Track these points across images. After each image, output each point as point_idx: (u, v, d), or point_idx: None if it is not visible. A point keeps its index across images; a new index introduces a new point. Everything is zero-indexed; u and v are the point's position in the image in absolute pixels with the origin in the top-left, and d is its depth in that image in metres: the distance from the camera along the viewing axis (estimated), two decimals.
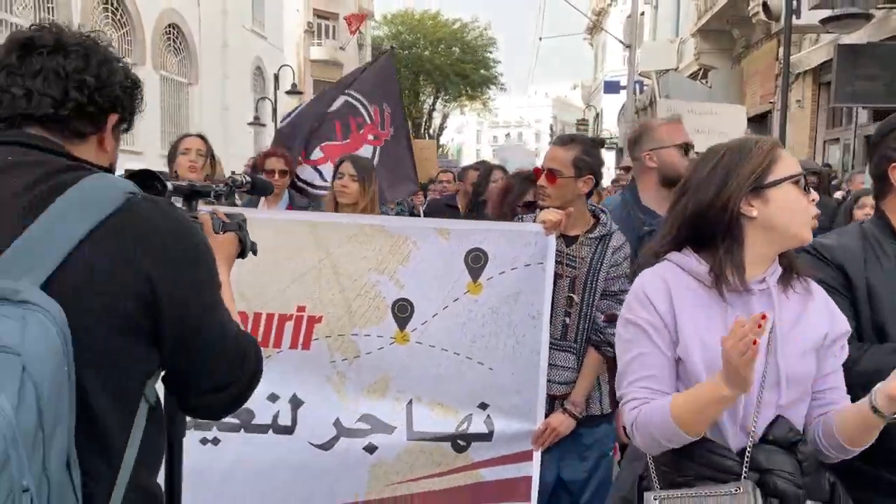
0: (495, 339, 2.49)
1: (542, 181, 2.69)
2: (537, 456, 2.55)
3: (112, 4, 15.59)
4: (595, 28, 41.58)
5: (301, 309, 2.43)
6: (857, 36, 9.56)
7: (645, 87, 22.14)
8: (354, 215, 3.12)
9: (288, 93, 20.86)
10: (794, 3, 8.87)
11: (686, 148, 2.85)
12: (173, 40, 18.35)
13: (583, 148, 2.73)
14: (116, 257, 1.13)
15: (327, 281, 2.46)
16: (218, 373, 1.28)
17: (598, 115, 37.00)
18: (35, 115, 1.23)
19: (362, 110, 4.73)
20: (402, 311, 2.49)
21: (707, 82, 16.80)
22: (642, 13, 29.06)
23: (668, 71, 19.63)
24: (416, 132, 41.32)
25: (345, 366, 2.49)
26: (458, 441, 2.52)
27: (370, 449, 2.48)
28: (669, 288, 1.60)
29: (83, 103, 1.25)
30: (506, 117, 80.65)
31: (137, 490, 1.20)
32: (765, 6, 11.42)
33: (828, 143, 12.22)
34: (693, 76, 18.09)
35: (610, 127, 32.56)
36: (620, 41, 23.98)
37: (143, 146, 15.23)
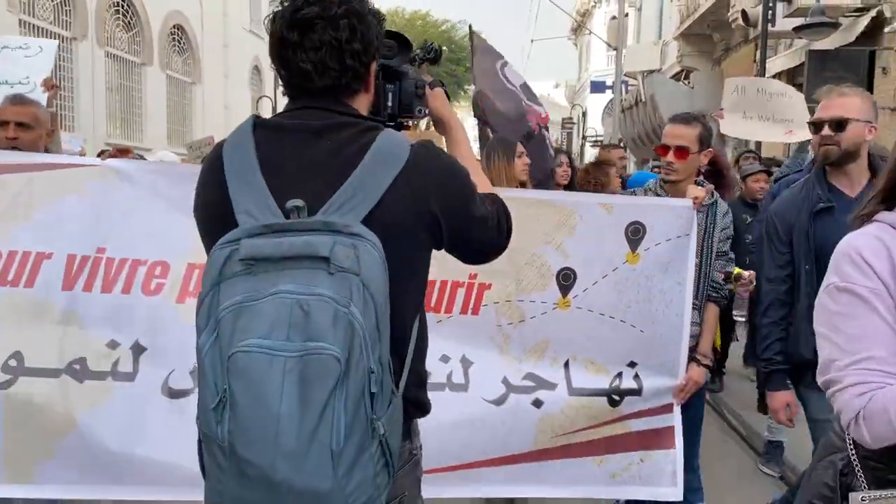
0: (647, 304, 2.69)
1: (669, 157, 2.93)
2: (677, 408, 2.79)
3: (122, 7, 16.19)
4: (580, 29, 42.47)
5: (473, 276, 2.62)
6: (827, 42, 10.50)
7: (630, 87, 23.01)
8: (527, 190, 3.42)
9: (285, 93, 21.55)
10: (770, 12, 9.79)
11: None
12: (178, 41, 18.95)
13: (702, 124, 3.00)
14: (410, 198, 1.39)
15: None
16: (486, 244, 1.59)
17: (583, 113, 37.93)
18: (320, 85, 1.43)
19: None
20: (566, 279, 2.67)
21: (689, 83, 17.74)
22: (626, 15, 30.03)
23: (653, 71, 20.59)
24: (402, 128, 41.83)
25: (510, 329, 2.67)
26: (613, 396, 2.73)
27: (537, 403, 2.67)
28: (889, 248, 1.41)
29: (356, 68, 1.45)
30: None
31: (412, 373, 1.45)
32: (743, 14, 12.35)
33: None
34: (676, 77, 19.03)
35: (595, 125, 33.49)
36: (607, 43, 24.84)
37: (152, 143, 15.90)
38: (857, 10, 10.23)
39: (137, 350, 2.40)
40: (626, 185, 5.06)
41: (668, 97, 15.60)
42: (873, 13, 9.99)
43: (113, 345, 2.38)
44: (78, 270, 2.38)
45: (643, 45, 24.12)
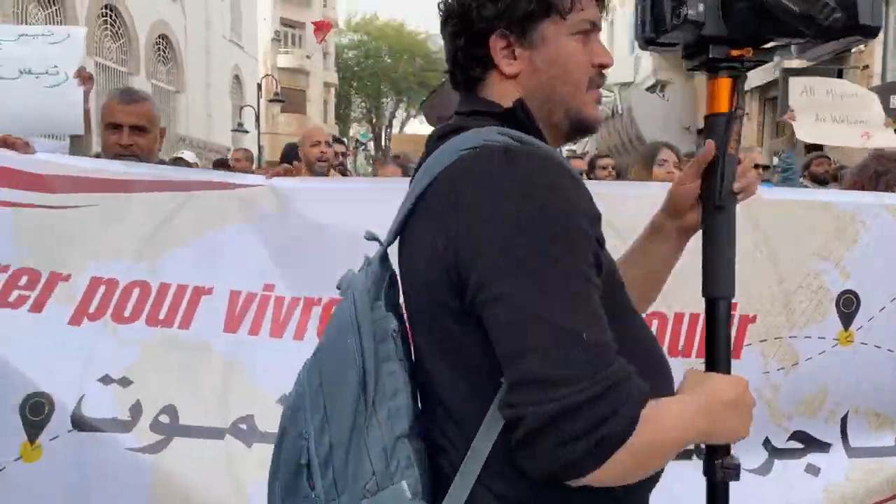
0: None
1: None
2: None
3: (110, 18, 16.35)
4: None
5: (733, 307, 1.98)
6: (798, 60, 11.18)
7: (605, 100, 23.73)
8: (790, 189, 2.82)
9: (270, 101, 21.86)
10: None
11: None
12: (162, 51, 19.11)
13: None
14: (428, 232, 0.99)
15: (763, 270, 2.06)
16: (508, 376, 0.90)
17: None
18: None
19: None
20: (848, 306, 2.11)
21: (664, 95, 18.45)
22: (611, 22, 30.79)
23: (628, 84, 21.31)
24: (376, 137, 42.20)
25: (780, 376, 2.08)
26: None
27: (813, 470, 2.11)
28: None
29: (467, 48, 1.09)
30: None
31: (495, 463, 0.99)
32: None
33: (772, 150, 13.95)
34: (650, 89, 19.76)
35: None
36: None
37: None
38: None
39: None
40: None
41: (644, 110, 16.29)
42: None
43: (285, 401, 1.79)
44: (242, 310, 1.98)
45: (616, 58, 24.75)
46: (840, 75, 10.77)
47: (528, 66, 1.07)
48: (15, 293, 1.84)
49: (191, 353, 1.96)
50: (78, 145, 3.20)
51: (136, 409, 1.84)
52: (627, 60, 23.02)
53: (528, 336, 0.87)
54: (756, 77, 13.28)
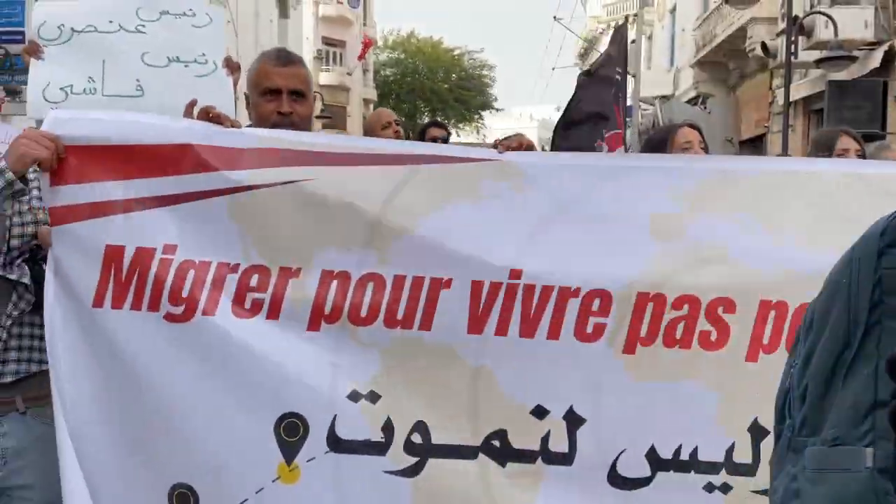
0: None
1: None
2: None
3: None
4: (587, 55, 43.60)
5: None
6: (844, 73, 11.40)
7: (645, 112, 24.00)
8: None
9: (317, 117, 22.56)
10: (792, 46, 10.69)
11: None
12: None
13: None
14: None
15: None
16: None
17: None
18: None
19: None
20: None
21: (706, 108, 18.68)
22: (633, 41, 31.13)
23: (666, 97, 21.56)
24: None
25: None
26: None
27: None
28: None
29: None
30: (491, 138, 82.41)
31: None
32: (763, 45, 13.28)
33: None
34: (691, 102, 19.99)
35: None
36: (628, 73, 25.78)
37: None
38: (871, 43, 11.16)
39: (574, 421, 1.74)
40: None
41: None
42: (886, 47, 10.92)
43: (540, 413, 1.73)
44: (487, 305, 1.73)
45: (655, 71, 25.11)
46: (886, 86, 10.96)
47: None
48: (249, 298, 1.70)
49: (434, 360, 1.74)
50: None
51: (389, 429, 1.71)
52: (667, 74, 23.28)
53: None
54: (800, 90, 13.47)
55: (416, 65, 41.11)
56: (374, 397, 1.72)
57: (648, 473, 1.72)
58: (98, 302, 1.70)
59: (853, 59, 10.44)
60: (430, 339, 1.74)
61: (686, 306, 1.70)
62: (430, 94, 40.07)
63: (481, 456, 1.74)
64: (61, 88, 2.75)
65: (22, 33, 10.53)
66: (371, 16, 39.12)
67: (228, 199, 1.72)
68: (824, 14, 10.58)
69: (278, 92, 2.13)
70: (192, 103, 2.07)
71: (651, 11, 30.19)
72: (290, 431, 1.71)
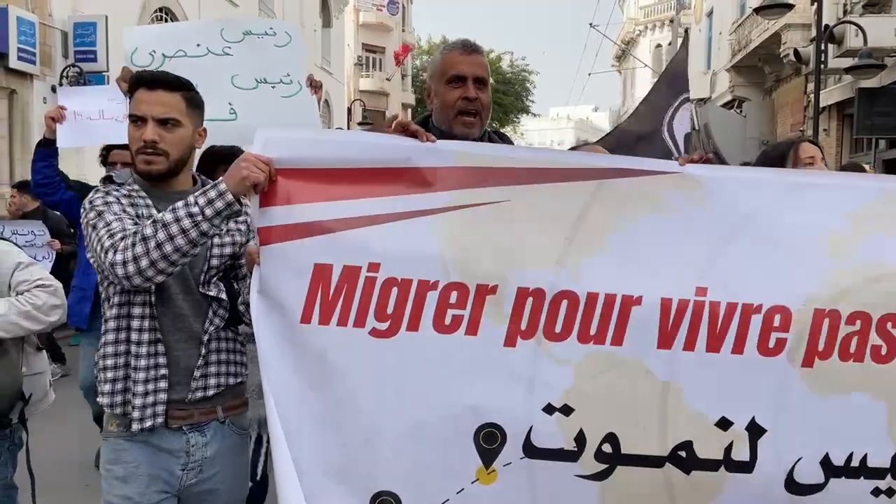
0: None
1: None
2: None
3: None
4: (623, 57, 43.70)
5: None
6: (875, 80, 11.66)
7: (690, 113, 24.13)
8: None
9: (360, 124, 23.38)
10: (822, 54, 11.00)
11: None
12: None
13: None
14: None
15: None
16: None
17: None
18: None
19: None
20: None
21: (741, 111, 18.89)
22: (669, 43, 31.26)
23: (703, 100, 21.76)
24: None
25: None
26: None
27: None
28: None
29: None
30: (530, 139, 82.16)
31: None
32: (795, 52, 13.56)
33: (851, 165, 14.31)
34: (727, 105, 20.20)
35: None
36: (655, 71, 26.00)
37: None
38: None
39: (755, 432, 1.78)
40: None
41: (721, 125, 16.84)
42: None
43: (724, 424, 1.79)
44: (676, 321, 1.77)
45: (692, 75, 25.20)
46: None
47: None
48: (449, 314, 1.76)
49: (624, 374, 1.80)
50: None
51: (581, 440, 1.78)
52: (704, 77, 23.43)
53: None
54: (833, 94, 13.71)
55: None
56: (567, 410, 1.78)
57: (822, 480, 1.78)
58: (306, 318, 1.76)
59: (882, 66, 10.72)
60: (622, 354, 1.78)
61: (859, 322, 1.76)
62: None
63: (667, 465, 1.80)
64: None
65: (94, 52, 11.41)
66: (410, 21, 39.78)
67: (428, 219, 1.79)
68: (853, 23, 10.86)
69: (463, 79, 2.21)
70: (393, 118, 2.19)
71: (688, 14, 30.31)
72: (489, 440, 1.79)
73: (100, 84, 10.00)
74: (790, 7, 10.65)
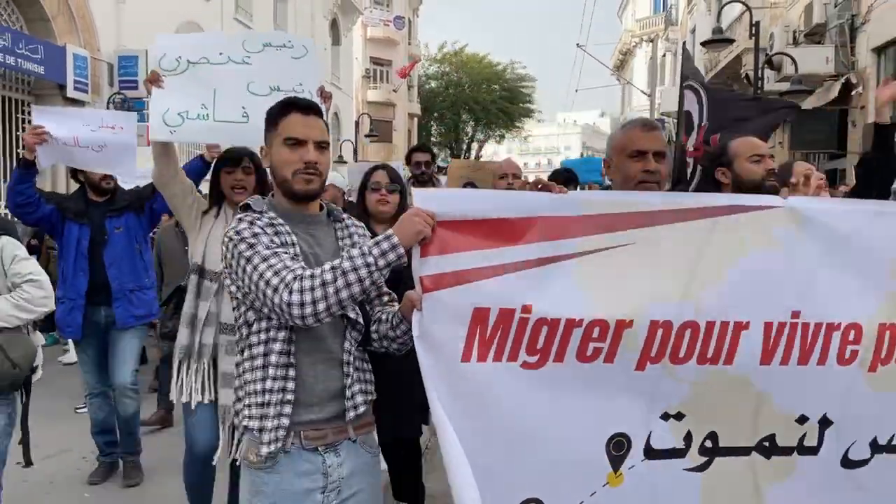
0: None
1: None
2: None
3: None
4: (622, 67, 45.20)
5: None
6: (811, 100, 13.41)
7: (666, 125, 25.69)
8: None
9: (366, 136, 25.20)
10: (759, 81, 12.76)
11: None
12: None
13: None
14: None
15: None
16: None
17: None
18: None
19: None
20: None
21: None
22: (664, 55, 32.87)
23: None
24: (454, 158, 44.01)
25: None
26: None
27: None
28: None
29: None
30: (537, 144, 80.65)
31: None
32: (746, 76, 15.30)
33: None
34: None
35: None
36: (642, 91, 27.65)
37: None
38: (831, 76, 13.15)
39: (824, 424, 2.12)
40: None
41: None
42: (843, 80, 12.89)
43: (802, 420, 2.11)
44: (775, 341, 2.04)
45: (678, 88, 26.76)
46: (844, 113, 12.98)
47: None
48: (591, 347, 1.94)
49: (731, 387, 2.04)
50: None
51: (688, 439, 2.06)
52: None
53: None
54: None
55: (460, 77, 42.33)
56: (679, 416, 2.04)
57: (868, 456, 2.14)
58: (466, 357, 1.89)
59: (810, 92, 12.48)
60: (732, 372, 2.02)
61: None
62: (475, 105, 41.12)
63: (753, 454, 2.10)
64: (178, 114, 3.01)
65: (136, 81, 13.18)
66: (415, 35, 41.06)
67: (569, 263, 1.95)
68: (786, 54, 12.63)
69: (644, 153, 2.41)
70: (537, 182, 2.29)
71: (676, 30, 31.97)
72: (617, 447, 2.01)
73: (140, 107, 11.62)
74: (731, 41, 12.41)
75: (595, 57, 25.35)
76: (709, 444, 2.09)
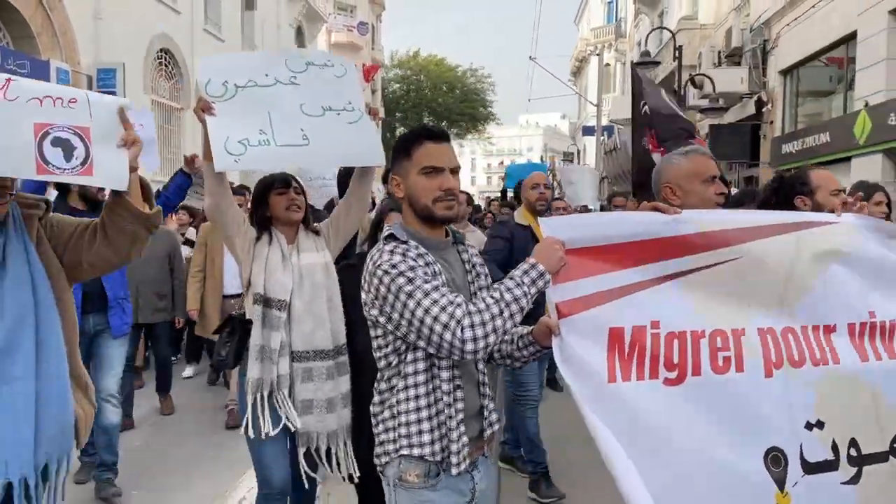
0: None
1: None
2: None
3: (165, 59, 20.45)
4: (578, 73, 46.82)
5: None
6: (730, 115, 15.02)
7: (614, 133, 27.19)
8: None
9: None
10: (683, 96, 14.31)
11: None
12: None
13: None
14: None
15: None
16: None
17: (579, 151, 41.89)
18: None
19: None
20: None
21: None
22: (607, 64, 34.48)
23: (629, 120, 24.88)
24: None
25: None
26: None
27: None
28: None
29: None
30: (500, 146, 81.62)
31: None
32: (675, 91, 16.88)
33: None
34: None
35: (590, 161, 37.58)
36: (590, 102, 29.21)
37: None
38: (746, 95, 14.80)
39: None
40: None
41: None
42: (755, 98, 14.53)
43: None
44: (860, 338, 2.22)
45: (625, 97, 28.41)
46: (756, 127, 14.62)
47: None
48: (720, 357, 2.02)
49: (846, 385, 2.15)
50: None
51: (835, 448, 2.10)
52: (625, 99, 26.20)
53: None
54: (703, 128, 17.01)
55: (421, 80, 42.92)
56: (821, 425, 2.10)
57: None
58: (612, 377, 1.93)
59: (725, 109, 14.08)
60: (842, 371, 2.15)
61: None
62: (438, 107, 41.63)
63: (890, 458, 2.17)
64: (239, 142, 2.85)
65: (115, 91, 14.08)
66: (378, 41, 41.69)
67: (685, 279, 2.05)
68: (705, 75, 14.20)
69: (715, 178, 2.54)
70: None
71: (624, 42, 33.73)
72: (775, 463, 2.02)
73: None
74: (657, 64, 13.91)
75: (546, 69, 26.76)
76: (853, 452, 2.12)
